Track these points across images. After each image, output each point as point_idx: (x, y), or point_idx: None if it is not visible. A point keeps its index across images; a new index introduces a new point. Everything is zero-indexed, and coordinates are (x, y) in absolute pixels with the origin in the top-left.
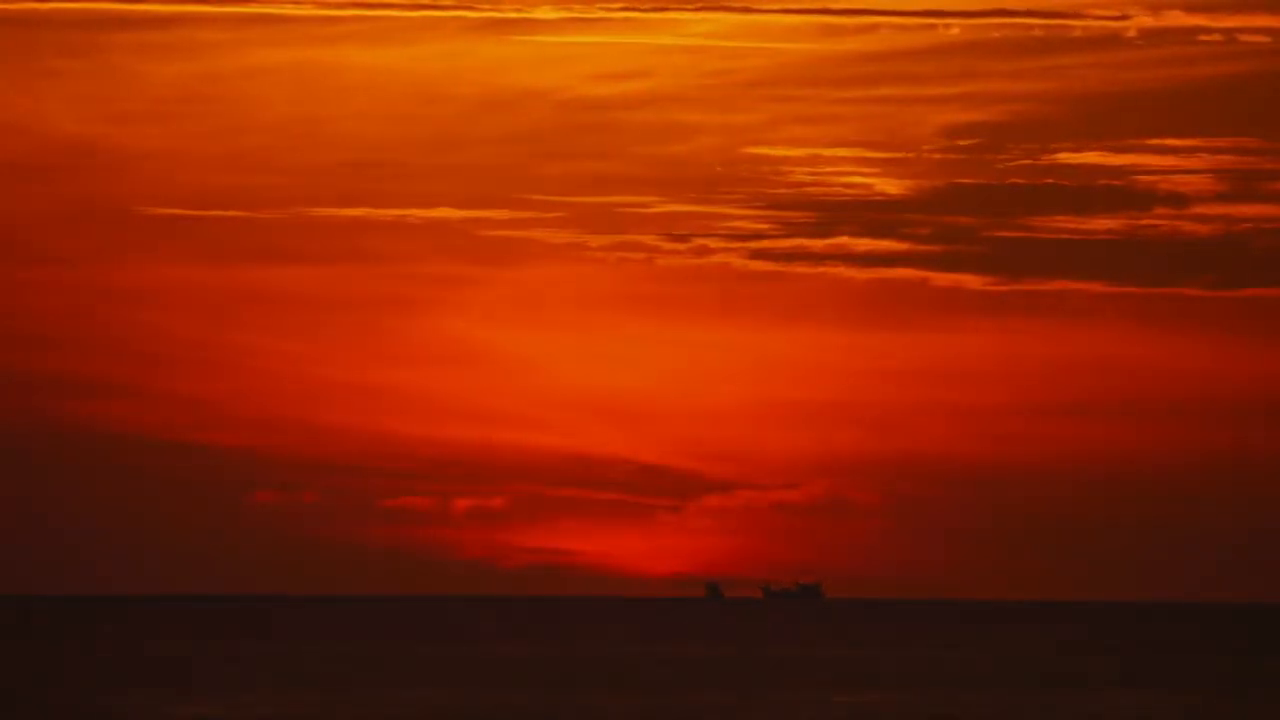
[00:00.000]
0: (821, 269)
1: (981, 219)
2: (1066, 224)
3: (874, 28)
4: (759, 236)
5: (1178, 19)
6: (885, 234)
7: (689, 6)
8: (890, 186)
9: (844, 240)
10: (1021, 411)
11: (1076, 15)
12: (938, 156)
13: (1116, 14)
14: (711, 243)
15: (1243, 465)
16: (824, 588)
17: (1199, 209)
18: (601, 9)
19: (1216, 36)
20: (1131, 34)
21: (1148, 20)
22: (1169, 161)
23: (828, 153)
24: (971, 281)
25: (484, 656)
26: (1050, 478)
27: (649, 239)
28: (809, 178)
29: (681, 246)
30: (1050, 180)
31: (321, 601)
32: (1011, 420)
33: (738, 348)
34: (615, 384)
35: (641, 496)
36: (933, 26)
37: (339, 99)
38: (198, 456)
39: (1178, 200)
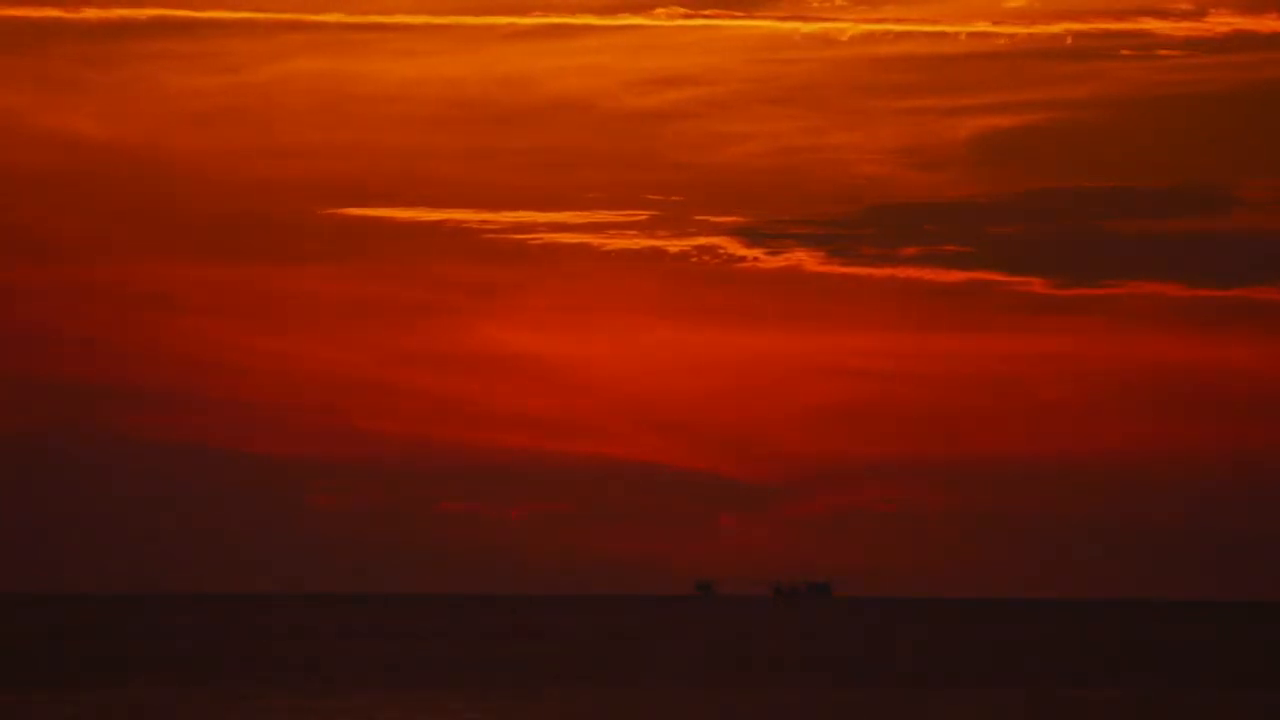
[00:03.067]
0: (887, 272)
1: (1047, 223)
2: (1136, 227)
3: (941, 35)
4: (826, 241)
5: (1260, 23)
6: (952, 239)
7: (728, 15)
8: (955, 190)
9: (909, 245)
10: (1090, 413)
11: (1157, 16)
12: (1000, 160)
13: (1192, 15)
14: (779, 247)
15: None
16: (834, 587)
17: (1273, 213)
18: (630, 16)
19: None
20: (1215, 36)
21: (1224, 24)
22: (1234, 164)
23: (888, 157)
24: (1039, 285)
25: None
26: (1120, 478)
27: (719, 243)
28: (869, 183)
29: (755, 251)
30: (1118, 184)
31: (398, 600)
32: (1080, 422)
33: (800, 351)
34: (674, 389)
35: (701, 502)
36: (988, 34)
37: (376, 106)
38: (251, 464)
39: (1253, 205)
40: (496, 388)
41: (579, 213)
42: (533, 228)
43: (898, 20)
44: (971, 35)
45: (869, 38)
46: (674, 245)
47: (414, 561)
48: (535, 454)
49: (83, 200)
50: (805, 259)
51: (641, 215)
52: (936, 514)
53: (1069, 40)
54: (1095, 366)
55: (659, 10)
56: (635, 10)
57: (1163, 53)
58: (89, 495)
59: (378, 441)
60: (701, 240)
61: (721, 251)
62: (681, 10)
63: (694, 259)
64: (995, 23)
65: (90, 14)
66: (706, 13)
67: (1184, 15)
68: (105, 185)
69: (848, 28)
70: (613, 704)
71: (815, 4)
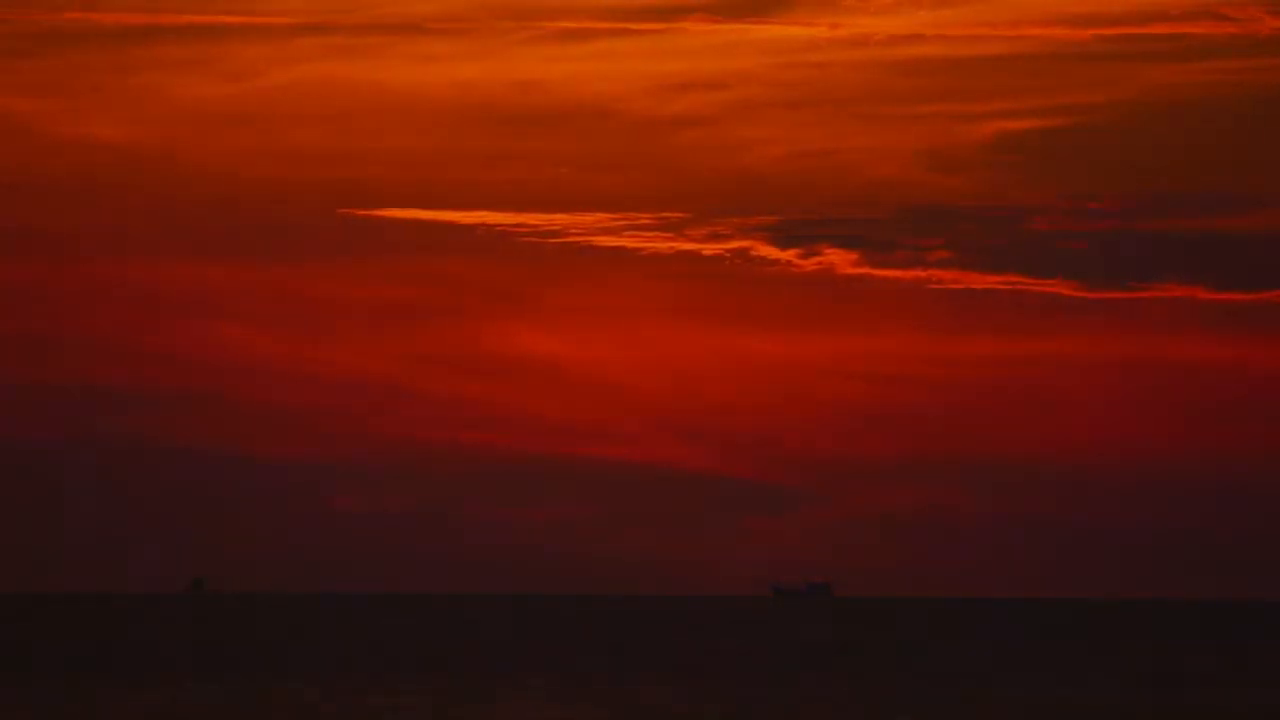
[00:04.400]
0: (917, 274)
1: (1075, 225)
2: (1164, 229)
3: (969, 38)
4: (858, 244)
5: None
6: (981, 241)
7: (755, 21)
8: (984, 193)
9: (939, 248)
10: (1117, 416)
11: (1190, 19)
12: (1028, 163)
13: (1223, 17)
14: (811, 250)
15: None
16: (834, 587)
17: None
18: (658, 23)
19: None
20: (1246, 39)
21: (1264, 26)
22: (1264, 166)
23: (917, 160)
24: (1065, 288)
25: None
26: (1148, 481)
27: (752, 245)
28: (898, 186)
29: (789, 254)
30: (1147, 186)
31: (421, 600)
32: (1107, 425)
33: (831, 354)
34: (705, 393)
35: (730, 507)
36: (1016, 37)
37: (401, 109)
38: (278, 470)
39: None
40: (524, 392)
41: (608, 215)
42: (565, 231)
43: (923, 24)
44: (1001, 38)
45: (893, 40)
46: (708, 248)
47: (437, 562)
48: (565, 458)
49: (102, 204)
50: (838, 262)
51: (673, 218)
52: (964, 517)
53: (1097, 43)
54: (1124, 369)
55: (688, 18)
56: (664, 17)
57: (1192, 55)
58: (107, 501)
59: (404, 445)
60: (734, 244)
61: (755, 254)
62: (708, 17)
63: (727, 262)
64: (1023, 25)
65: (108, 20)
66: (735, 21)
67: (1215, 17)
68: (124, 190)
69: (873, 31)
70: (617, 702)
71: (841, 8)
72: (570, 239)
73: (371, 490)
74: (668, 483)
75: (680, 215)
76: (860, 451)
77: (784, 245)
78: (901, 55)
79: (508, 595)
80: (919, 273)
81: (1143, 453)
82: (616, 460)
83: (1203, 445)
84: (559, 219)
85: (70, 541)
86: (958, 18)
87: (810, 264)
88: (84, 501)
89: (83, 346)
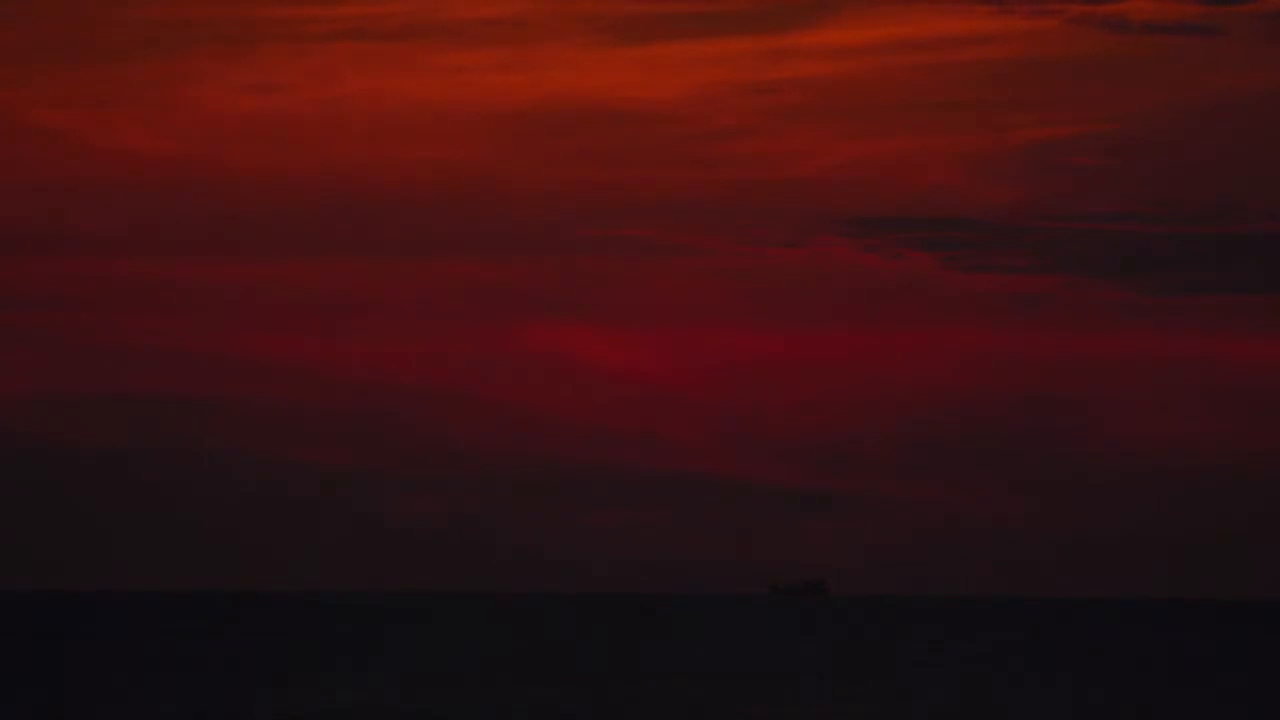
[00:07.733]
0: (972, 277)
1: (1145, 229)
2: (1232, 230)
3: (1031, 38)
4: (931, 247)
5: None
6: (1050, 246)
7: (801, 30)
8: (1054, 197)
9: (1009, 251)
10: (1187, 418)
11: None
12: (1096, 169)
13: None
14: (890, 255)
15: None
16: (829, 585)
17: None
18: (713, 33)
19: None
20: None
21: None
22: None
23: (984, 165)
24: (1132, 291)
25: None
26: (1208, 484)
27: (830, 250)
28: (967, 191)
29: (867, 259)
30: (1215, 189)
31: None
32: (1178, 427)
33: (882, 360)
34: (764, 400)
35: (794, 512)
36: (1082, 39)
37: (437, 116)
38: (330, 477)
39: None
40: (582, 397)
41: (673, 219)
42: (628, 234)
43: (985, 27)
44: (1068, 40)
45: (958, 43)
46: (788, 253)
47: (476, 565)
48: (620, 466)
49: (142, 212)
50: (920, 266)
51: (744, 222)
52: (1020, 517)
53: (1163, 46)
54: (1190, 371)
55: (741, 31)
56: (719, 30)
57: (1260, 60)
58: (158, 507)
59: (460, 451)
60: (814, 249)
61: (836, 256)
62: (762, 29)
63: (803, 266)
64: (1090, 27)
65: (147, 34)
66: (789, 29)
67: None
68: (164, 199)
69: (934, 35)
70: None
71: (898, 14)
72: (634, 242)
73: (419, 495)
74: (718, 489)
75: (751, 220)
76: (913, 452)
77: (863, 250)
78: (966, 58)
79: (525, 596)
80: (994, 278)
81: (1208, 455)
82: (670, 468)
83: (1270, 447)
84: (618, 221)
85: (101, 542)
86: (1017, 17)
87: (892, 266)
88: (132, 504)
89: (125, 353)
